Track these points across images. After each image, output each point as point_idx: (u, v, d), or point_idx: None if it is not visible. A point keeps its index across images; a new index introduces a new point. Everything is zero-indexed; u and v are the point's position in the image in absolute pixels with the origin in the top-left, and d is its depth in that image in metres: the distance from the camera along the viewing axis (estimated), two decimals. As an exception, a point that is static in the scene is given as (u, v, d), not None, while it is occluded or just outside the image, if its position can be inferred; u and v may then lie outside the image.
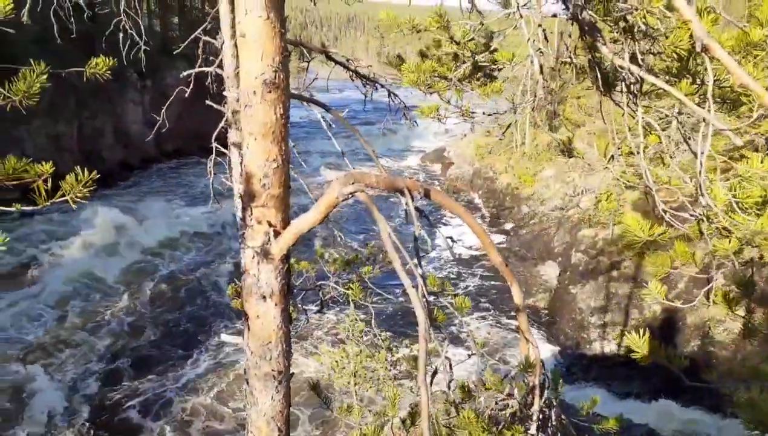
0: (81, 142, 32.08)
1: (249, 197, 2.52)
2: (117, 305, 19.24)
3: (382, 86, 4.71)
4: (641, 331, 2.97)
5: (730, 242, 2.70)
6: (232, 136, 3.86)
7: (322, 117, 4.07)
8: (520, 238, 28.62)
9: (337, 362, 12.95)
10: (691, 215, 3.34)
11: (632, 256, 23.03)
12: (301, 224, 2.44)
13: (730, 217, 2.57)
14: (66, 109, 31.03)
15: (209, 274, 22.38)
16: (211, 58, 4.76)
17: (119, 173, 33.75)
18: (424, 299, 2.00)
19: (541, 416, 2.75)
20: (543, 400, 2.78)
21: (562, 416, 3.15)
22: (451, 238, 2.66)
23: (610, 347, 20.38)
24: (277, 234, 2.52)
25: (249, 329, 2.73)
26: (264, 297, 2.63)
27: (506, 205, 32.35)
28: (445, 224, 32.65)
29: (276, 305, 2.69)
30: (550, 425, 2.82)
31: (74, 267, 20.99)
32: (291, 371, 2.83)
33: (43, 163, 2.28)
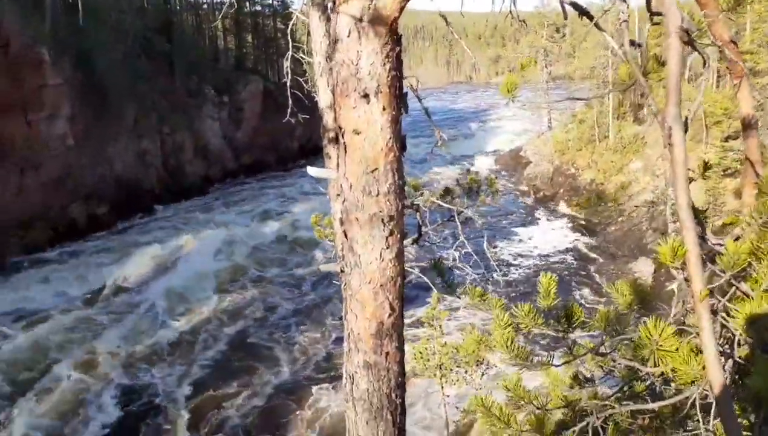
0: (164, 158, 33.31)
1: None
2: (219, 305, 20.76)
3: None
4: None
5: None
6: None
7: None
8: (609, 235, 27.20)
9: (420, 353, 12.02)
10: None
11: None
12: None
13: None
14: (149, 127, 32.33)
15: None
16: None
17: (201, 187, 34.74)
18: None
19: None
20: None
21: None
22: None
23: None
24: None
25: (345, 149, 1.93)
26: (366, 96, 1.82)
27: (591, 202, 30.81)
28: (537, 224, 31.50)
29: (384, 109, 1.86)
30: None
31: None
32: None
33: None
